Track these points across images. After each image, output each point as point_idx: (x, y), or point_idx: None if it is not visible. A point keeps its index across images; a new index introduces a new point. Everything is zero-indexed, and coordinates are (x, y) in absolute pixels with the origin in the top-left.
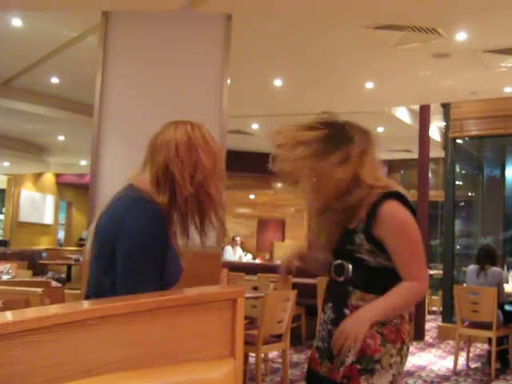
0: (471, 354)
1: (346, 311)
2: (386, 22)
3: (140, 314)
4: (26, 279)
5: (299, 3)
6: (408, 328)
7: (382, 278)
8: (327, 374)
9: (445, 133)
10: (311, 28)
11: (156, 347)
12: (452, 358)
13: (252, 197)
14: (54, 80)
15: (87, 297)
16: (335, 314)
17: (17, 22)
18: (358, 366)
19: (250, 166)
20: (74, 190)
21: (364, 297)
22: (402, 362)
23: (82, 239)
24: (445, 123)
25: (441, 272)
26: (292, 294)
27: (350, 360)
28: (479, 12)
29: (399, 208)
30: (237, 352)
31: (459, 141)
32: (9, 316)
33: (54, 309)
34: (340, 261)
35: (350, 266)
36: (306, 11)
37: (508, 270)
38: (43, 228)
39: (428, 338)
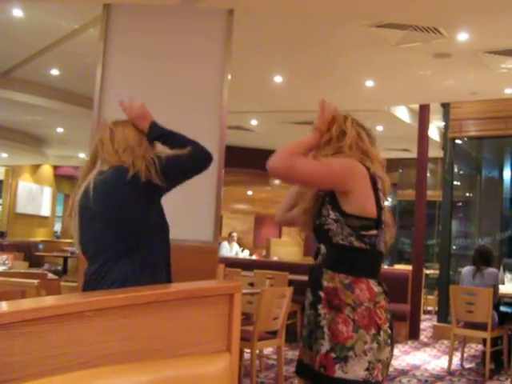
0: (466, 355)
1: (321, 293)
2: (388, 20)
3: (137, 307)
4: (22, 271)
5: (301, 0)
6: (385, 314)
7: (349, 258)
8: (309, 361)
9: (444, 133)
10: (312, 25)
11: (152, 340)
12: (446, 357)
13: (250, 193)
14: (54, 72)
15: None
16: (313, 298)
17: (18, 12)
18: (333, 355)
19: (248, 161)
20: (72, 183)
21: (334, 277)
22: (381, 348)
23: None
24: (444, 123)
25: (437, 272)
26: (288, 291)
27: (324, 348)
28: (481, 13)
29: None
30: (233, 347)
31: (458, 141)
32: (6, 306)
33: (51, 300)
34: (319, 245)
35: (324, 248)
36: (308, 8)
37: (504, 271)
38: (40, 220)
39: (423, 337)
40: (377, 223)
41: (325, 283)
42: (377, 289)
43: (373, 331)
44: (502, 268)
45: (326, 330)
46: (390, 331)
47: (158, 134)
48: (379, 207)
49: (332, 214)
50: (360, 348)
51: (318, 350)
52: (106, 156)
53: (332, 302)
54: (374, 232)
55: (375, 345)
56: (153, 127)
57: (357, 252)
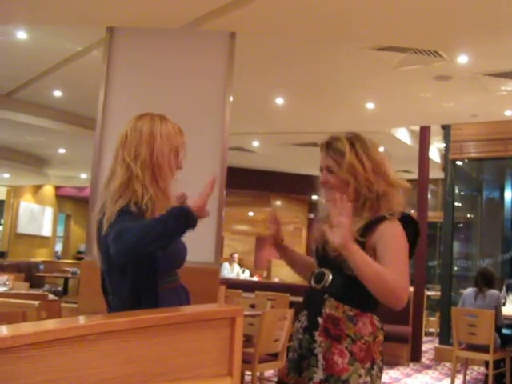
0: (468, 377)
1: (320, 320)
2: (388, 43)
3: (139, 331)
4: (23, 291)
5: (302, 24)
6: (381, 349)
7: (358, 290)
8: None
9: (445, 154)
10: (313, 48)
11: (154, 364)
12: (449, 380)
13: (251, 214)
14: (57, 93)
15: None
16: (309, 322)
17: (22, 34)
18: None
19: (249, 182)
20: (73, 203)
21: (338, 306)
22: (373, 382)
23: (79, 252)
24: (445, 145)
25: (438, 293)
26: (289, 313)
27: (318, 377)
28: (480, 35)
29: (393, 225)
30: (234, 371)
31: (459, 162)
32: (8, 330)
33: (53, 324)
34: (322, 269)
35: (331, 275)
36: (309, 32)
37: (507, 291)
38: (41, 240)
39: (425, 359)
40: None
41: (326, 310)
42: (378, 324)
43: (368, 365)
44: (504, 288)
45: (320, 358)
46: (381, 364)
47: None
48: None
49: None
50: (355, 382)
51: (310, 378)
52: None
53: (330, 330)
54: None
55: (368, 379)
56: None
57: (366, 288)
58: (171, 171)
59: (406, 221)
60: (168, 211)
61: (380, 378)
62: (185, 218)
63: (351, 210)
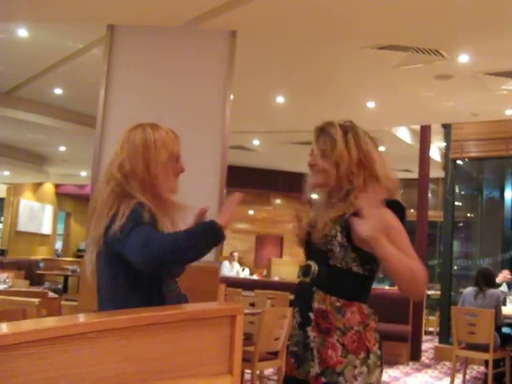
0: (468, 376)
1: (311, 315)
2: (389, 42)
3: (138, 329)
4: (23, 289)
5: (303, 23)
6: (375, 335)
7: (344, 281)
8: (306, 377)
9: (445, 153)
10: (314, 47)
11: (154, 362)
12: (448, 379)
13: (251, 212)
14: (58, 91)
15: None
16: (301, 318)
17: (23, 32)
18: (323, 379)
19: (249, 181)
20: (73, 201)
21: (325, 298)
22: (371, 371)
23: (80, 250)
24: (445, 144)
25: (438, 293)
26: (289, 311)
27: (314, 371)
28: (481, 35)
29: (387, 213)
30: (235, 369)
31: (459, 162)
32: (8, 328)
33: (53, 321)
34: (308, 261)
35: (316, 267)
36: (309, 31)
37: (509, 289)
38: (41, 238)
39: (424, 358)
40: None
41: (315, 304)
42: (367, 311)
43: (362, 355)
44: (506, 286)
45: (315, 352)
46: (379, 352)
47: None
48: None
49: (340, 237)
50: (350, 373)
51: (307, 372)
52: None
53: (321, 324)
54: (377, 263)
55: (365, 368)
56: None
57: (353, 276)
58: (174, 177)
59: (393, 206)
60: (199, 226)
61: (380, 366)
62: (215, 233)
63: (378, 202)
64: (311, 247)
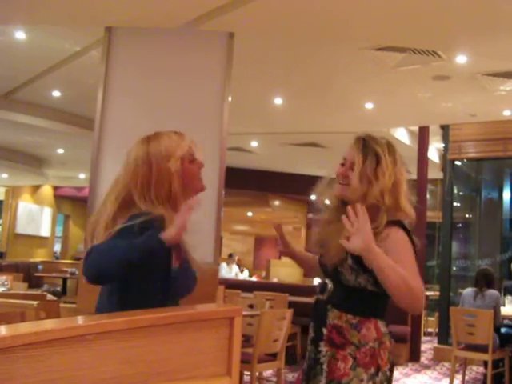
0: (467, 377)
1: (324, 330)
2: (386, 43)
3: (137, 331)
4: (22, 292)
5: (301, 24)
6: (388, 355)
7: (359, 299)
8: None
9: (443, 154)
10: (312, 48)
11: (152, 364)
12: (447, 380)
13: (250, 214)
14: (56, 93)
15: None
16: (315, 334)
17: (20, 34)
18: None
19: (248, 183)
20: (72, 203)
21: (341, 316)
22: None
23: (78, 252)
24: (443, 145)
25: (437, 293)
26: (288, 313)
27: None
28: (479, 35)
29: (399, 232)
30: (233, 371)
31: (458, 162)
32: (6, 330)
33: (52, 323)
34: (326, 279)
35: (331, 285)
36: (307, 32)
37: (505, 294)
38: (40, 240)
39: (423, 359)
40: None
41: (329, 321)
42: (383, 329)
43: (372, 370)
44: (502, 290)
45: (324, 367)
46: (388, 373)
47: None
48: None
49: (350, 261)
50: None
51: None
52: None
53: (334, 339)
54: None
55: None
56: None
57: (368, 295)
58: (195, 176)
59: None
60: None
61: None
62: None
63: (367, 214)
64: (326, 266)
